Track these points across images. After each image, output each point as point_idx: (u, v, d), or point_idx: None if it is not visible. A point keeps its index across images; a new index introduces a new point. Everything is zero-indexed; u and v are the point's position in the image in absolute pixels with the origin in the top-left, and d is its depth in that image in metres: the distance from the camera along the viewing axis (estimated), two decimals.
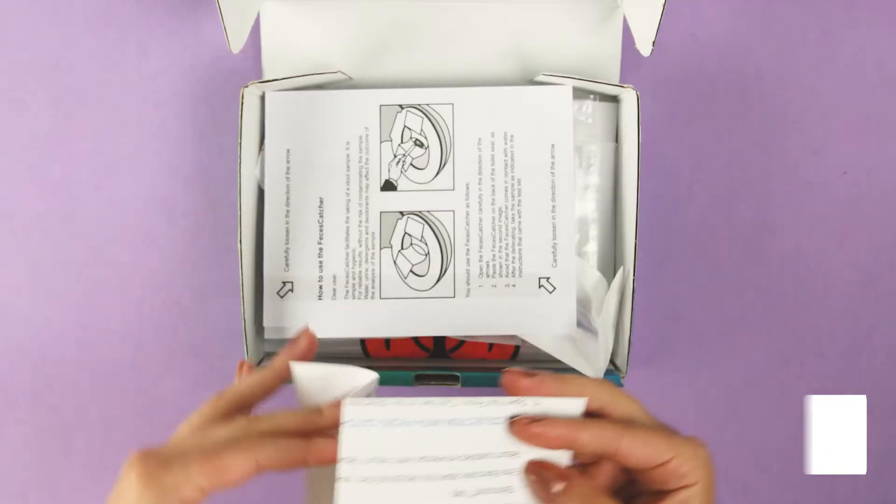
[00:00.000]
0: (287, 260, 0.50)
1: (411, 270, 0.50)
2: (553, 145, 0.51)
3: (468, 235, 0.51)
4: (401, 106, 0.51)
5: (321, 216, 0.51)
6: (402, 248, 0.50)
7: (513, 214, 0.51)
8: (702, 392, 0.55)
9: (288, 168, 0.51)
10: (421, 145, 0.51)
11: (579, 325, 0.50)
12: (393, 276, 0.50)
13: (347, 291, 0.50)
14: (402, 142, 0.51)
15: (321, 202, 0.51)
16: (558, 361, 0.51)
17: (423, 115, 0.51)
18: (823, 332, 0.55)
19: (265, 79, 0.51)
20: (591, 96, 0.52)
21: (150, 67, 0.53)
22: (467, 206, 0.51)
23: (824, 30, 0.54)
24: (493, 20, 0.52)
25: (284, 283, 0.50)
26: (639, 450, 0.35)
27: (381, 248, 0.50)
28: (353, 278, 0.50)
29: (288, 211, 0.51)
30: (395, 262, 0.50)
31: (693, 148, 0.54)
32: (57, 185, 0.54)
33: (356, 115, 0.51)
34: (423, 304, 0.50)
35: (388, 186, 0.51)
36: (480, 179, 0.51)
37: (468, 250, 0.50)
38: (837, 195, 0.54)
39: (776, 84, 0.54)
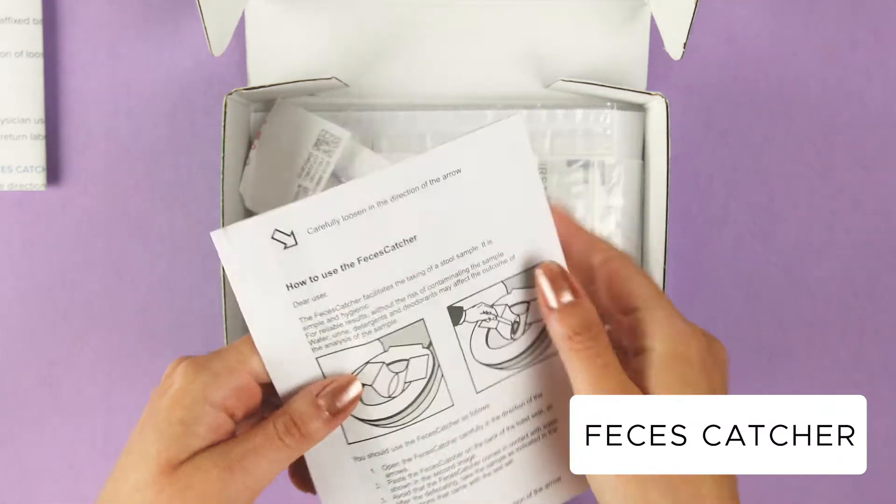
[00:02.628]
0: None
1: None
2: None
3: None
4: None
5: None
6: None
7: None
8: None
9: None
10: None
11: None
12: None
13: None
14: None
15: None
16: None
17: None
18: (875, 368, 0.52)
19: (251, 86, 0.49)
20: (609, 104, 0.50)
21: (122, 73, 0.51)
22: None
23: (875, 30, 0.51)
24: (505, 21, 0.50)
25: None
26: (618, 280, 0.38)
27: None
28: None
29: None
30: None
31: (729, 163, 0.52)
32: (17, 204, 0.51)
33: None
34: None
35: None
36: None
37: None
38: (890, 215, 0.52)
39: (822, 92, 0.52)
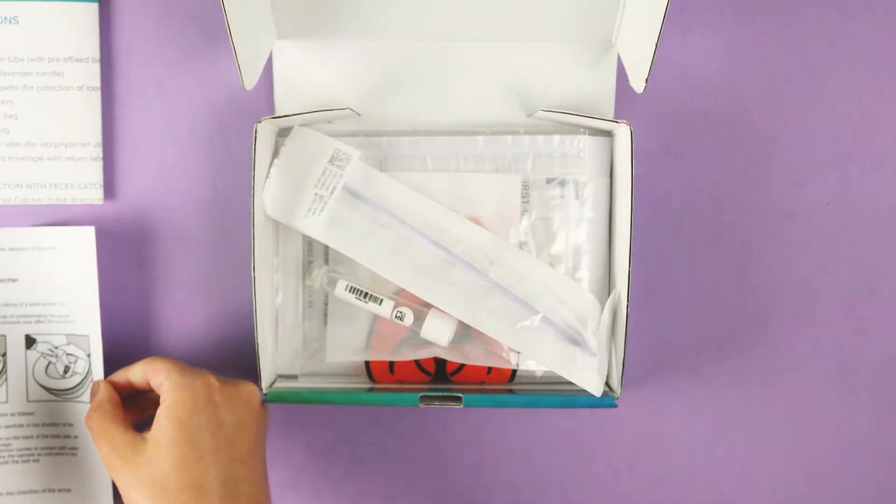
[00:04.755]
0: None
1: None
2: None
3: None
4: None
5: None
6: None
7: None
8: (692, 412, 0.57)
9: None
10: None
11: (577, 344, 0.53)
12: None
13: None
14: None
15: None
16: (555, 383, 0.54)
17: None
18: (808, 355, 0.57)
19: (277, 115, 0.54)
20: (582, 130, 0.54)
21: (168, 104, 0.56)
22: None
23: (808, 68, 0.56)
24: (494, 60, 0.54)
25: None
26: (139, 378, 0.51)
27: None
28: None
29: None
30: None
31: (684, 180, 0.56)
32: (79, 215, 0.56)
33: None
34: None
35: None
36: None
37: None
38: (820, 224, 0.57)
39: (762, 119, 0.56)
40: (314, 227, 0.53)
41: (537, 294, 0.53)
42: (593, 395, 0.52)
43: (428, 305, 0.54)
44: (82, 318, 0.54)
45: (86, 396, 0.54)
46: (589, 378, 0.52)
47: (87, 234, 0.53)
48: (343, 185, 0.53)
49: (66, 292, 0.54)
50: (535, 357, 0.54)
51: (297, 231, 0.54)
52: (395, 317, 0.54)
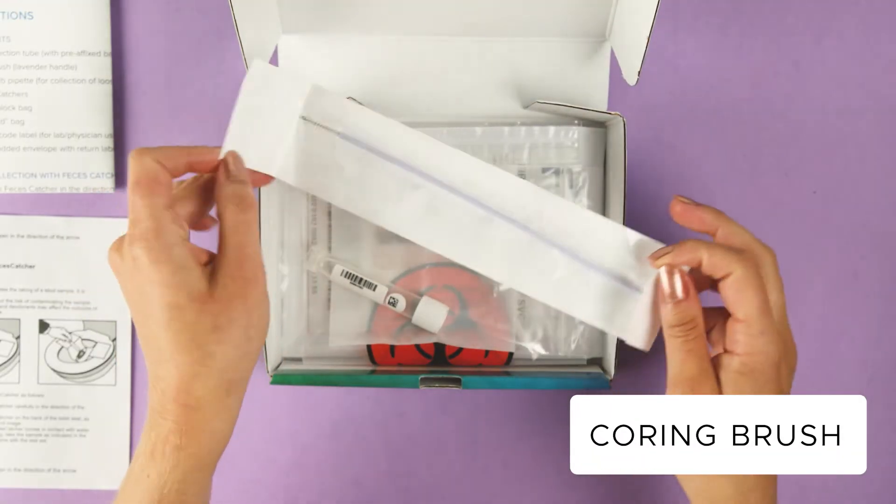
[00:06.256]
0: None
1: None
2: None
3: None
4: None
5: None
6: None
7: None
8: None
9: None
10: None
11: (628, 286, 0.48)
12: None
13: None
14: None
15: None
16: (550, 366, 0.55)
17: None
18: (796, 338, 0.55)
19: None
20: (576, 122, 0.55)
21: (176, 96, 0.57)
22: None
23: (794, 62, 0.58)
24: (492, 54, 0.56)
25: None
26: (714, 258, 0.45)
27: None
28: None
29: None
30: None
31: (675, 170, 0.58)
32: (91, 204, 0.57)
33: None
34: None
35: None
36: None
37: None
38: (807, 212, 0.58)
39: (750, 112, 0.57)
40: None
41: (582, 243, 0.48)
42: (600, 374, 0.53)
43: (420, 293, 0.55)
44: (107, 305, 0.56)
45: (103, 380, 0.56)
46: (636, 328, 0.47)
47: (116, 226, 0.55)
48: (368, 146, 0.48)
49: (87, 280, 0.56)
50: (580, 314, 0.48)
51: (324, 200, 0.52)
52: (388, 303, 0.55)
